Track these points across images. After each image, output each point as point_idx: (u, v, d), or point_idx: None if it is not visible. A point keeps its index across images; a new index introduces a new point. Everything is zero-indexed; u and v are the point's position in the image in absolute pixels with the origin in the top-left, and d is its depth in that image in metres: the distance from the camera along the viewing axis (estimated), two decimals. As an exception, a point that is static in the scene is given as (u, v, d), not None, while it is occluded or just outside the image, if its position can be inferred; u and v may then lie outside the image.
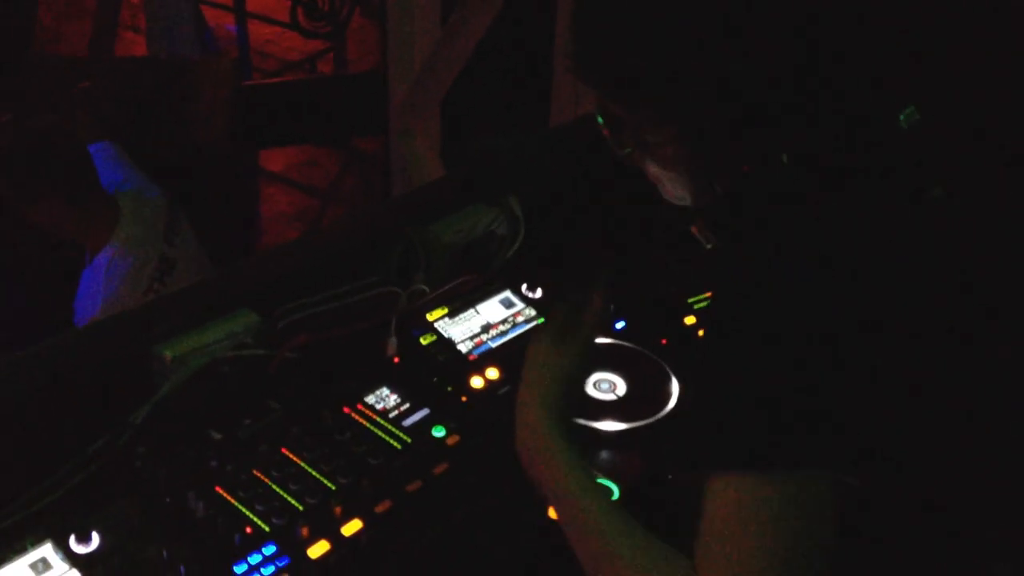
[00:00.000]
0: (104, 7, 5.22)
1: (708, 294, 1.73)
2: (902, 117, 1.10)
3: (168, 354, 1.59)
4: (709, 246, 1.21)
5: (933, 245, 1.08)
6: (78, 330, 1.88)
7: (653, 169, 1.18)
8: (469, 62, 2.98)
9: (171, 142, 3.26)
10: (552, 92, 2.98)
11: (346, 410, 1.56)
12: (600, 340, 1.68)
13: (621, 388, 1.60)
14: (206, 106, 3.27)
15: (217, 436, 1.50)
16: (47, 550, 1.27)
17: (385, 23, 3.26)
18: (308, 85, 4.04)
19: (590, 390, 1.59)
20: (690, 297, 1.75)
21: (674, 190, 1.19)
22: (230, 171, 3.43)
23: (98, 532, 1.30)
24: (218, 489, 1.41)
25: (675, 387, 1.59)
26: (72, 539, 1.29)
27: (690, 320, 1.73)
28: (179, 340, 1.61)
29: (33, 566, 1.25)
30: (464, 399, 1.59)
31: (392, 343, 1.67)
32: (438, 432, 1.52)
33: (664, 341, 1.67)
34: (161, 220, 2.85)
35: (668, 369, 1.61)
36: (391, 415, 1.55)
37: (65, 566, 1.25)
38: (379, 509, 1.38)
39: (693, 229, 1.20)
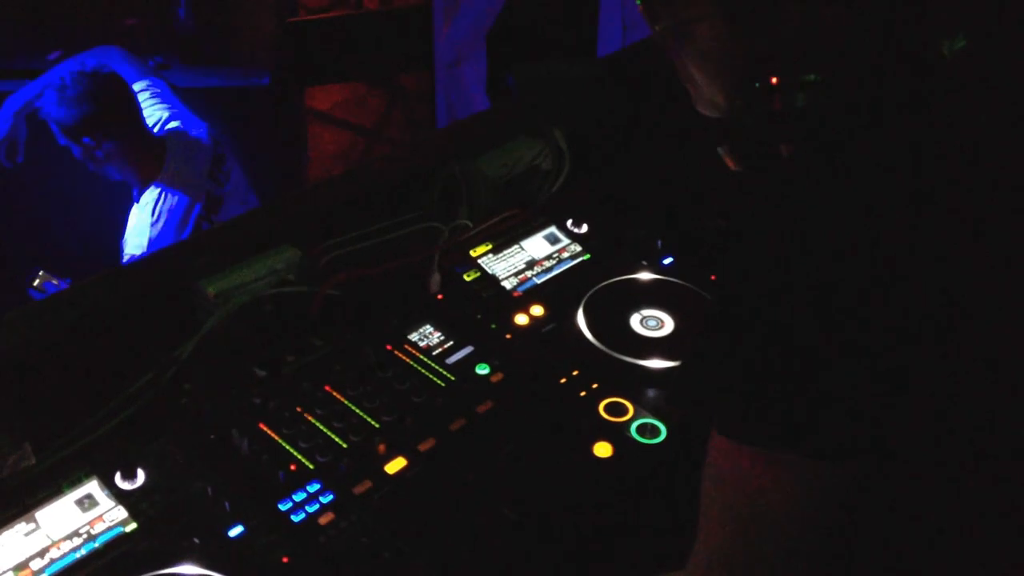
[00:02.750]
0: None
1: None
2: (948, 46, 1.01)
3: (211, 290, 1.58)
4: (735, 169, 1.12)
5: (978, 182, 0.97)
6: (123, 266, 1.87)
7: (685, 59, 1.06)
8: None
9: (215, 76, 3.25)
10: (600, 25, 2.90)
11: (389, 348, 1.54)
12: (647, 276, 1.64)
13: (669, 325, 1.56)
14: (250, 42, 3.24)
15: (261, 373, 1.49)
16: (93, 486, 1.28)
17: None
18: (354, 21, 3.98)
19: (637, 327, 1.56)
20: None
21: (707, 91, 1.07)
22: (275, 108, 3.41)
23: (143, 468, 1.31)
24: (262, 426, 1.40)
25: (725, 324, 1.55)
26: (117, 475, 1.29)
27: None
28: (222, 276, 1.60)
29: (79, 502, 1.26)
30: (508, 336, 1.56)
31: (435, 280, 1.64)
32: (482, 370, 1.50)
33: (713, 277, 1.62)
34: (207, 158, 2.84)
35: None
36: (434, 353, 1.53)
37: (111, 503, 1.26)
38: (423, 447, 1.37)
39: (723, 154, 1.11)
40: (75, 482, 1.28)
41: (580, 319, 1.56)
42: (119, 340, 1.55)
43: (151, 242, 2.66)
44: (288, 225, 1.71)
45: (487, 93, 3.00)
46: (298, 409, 1.43)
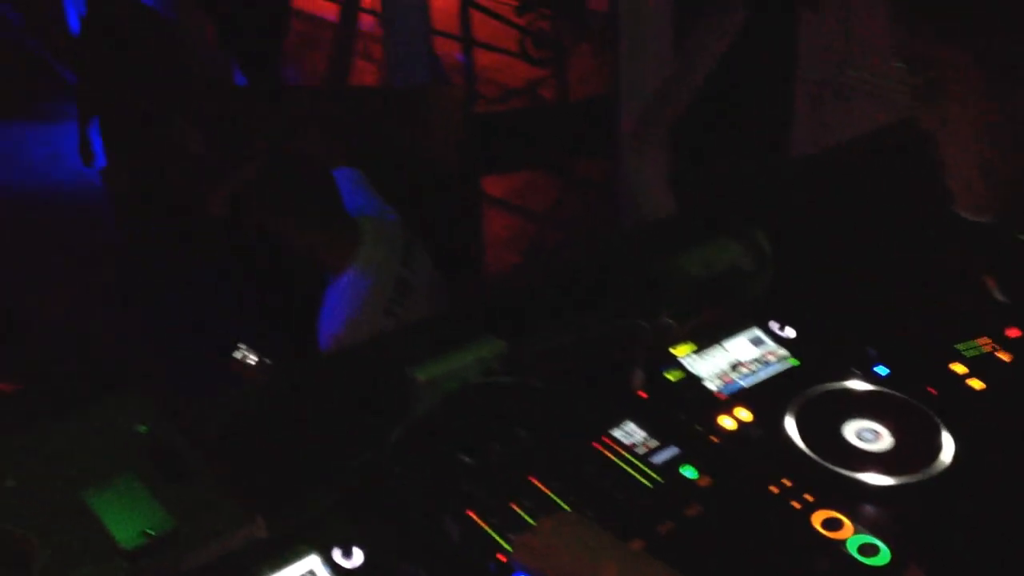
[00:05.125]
0: (341, 37, 5.50)
1: (981, 341, 1.62)
2: None
3: (421, 377, 1.63)
4: (1002, 301, 1.08)
5: None
6: (339, 349, 1.96)
7: (940, 123, 0.95)
8: (703, 86, 2.94)
9: (405, 168, 3.37)
10: (794, 119, 2.89)
11: (594, 444, 1.55)
12: (861, 386, 1.60)
13: (886, 439, 1.52)
14: (438, 133, 3.36)
15: (468, 460, 1.52)
16: (314, 562, 1.32)
17: (615, 47, 3.27)
18: (534, 112, 4.10)
19: (852, 439, 1.52)
20: (958, 343, 1.65)
21: (963, 166, 0.96)
22: (458, 197, 3.51)
23: (360, 548, 1.35)
24: (470, 513, 1.43)
25: (947, 441, 1.49)
26: (337, 553, 1.33)
27: (959, 368, 1.62)
28: (432, 363, 1.65)
29: (301, 578, 1.30)
30: (714, 439, 1.55)
31: (638, 377, 1.65)
32: (688, 472, 1.49)
33: (932, 390, 1.57)
34: (399, 244, 2.95)
35: (938, 421, 1.52)
36: (638, 451, 1.53)
37: (331, 580, 1.30)
38: (631, 547, 1.36)
39: (988, 281, 1.08)
40: (296, 556, 1.33)
41: (790, 426, 1.53)
42: (331, 422, 1.61)
43: (345, 324, 2.76)
44: (493, 316, 1.75)
45: (671, 187, 3.03)
46: (505, 499, 1.45)
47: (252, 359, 2.86)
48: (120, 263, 4.09)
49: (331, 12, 6.41)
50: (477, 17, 5.62)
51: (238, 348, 2.89)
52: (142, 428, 1.53)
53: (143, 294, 3.82)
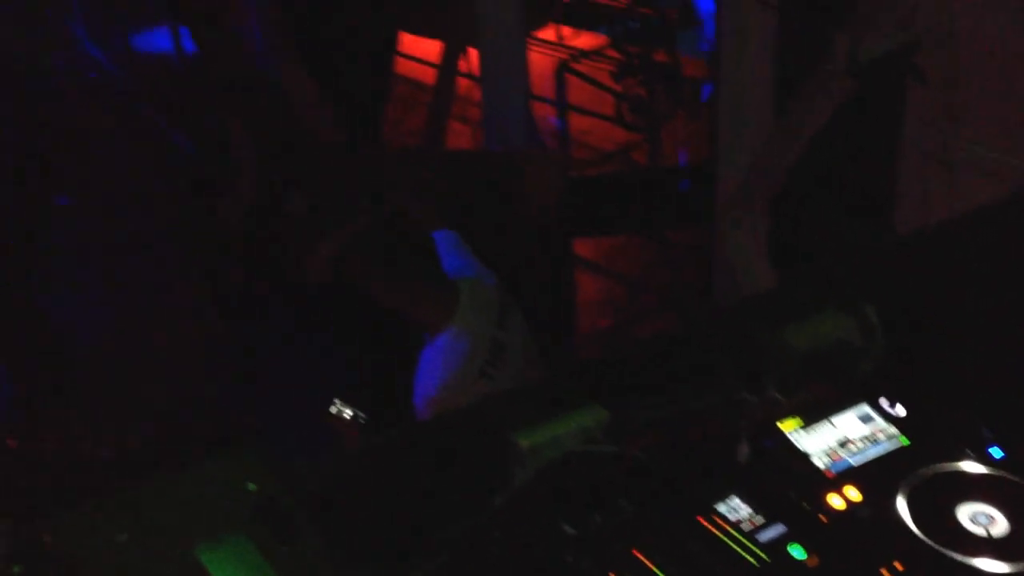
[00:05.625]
0: (439, 100, 5.62)
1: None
2: None
3: (524, 443, 1.63)
4: None
5: None
6: (441, 412, 1.97)
7: None
8: (804, 155, 2.92)
9: (502, 230, 3.41)
10: (897, 191, 2.85)
11: (699, 518, 1.52)
12: (976, 469, 1.56)
13: (1002, 524, 1.47)
14: (537, 197, 3.40)
15: (570, 531, 1.52)
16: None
17: (714, 114, 3.28)
18: (629, 177, 4.13)
19: (966, 523, 1.47)
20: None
21: None
22: (553, 259, 3.54)
23: (463, 618, 1.34)
24: (573, 586, 1.42)
25: (1070, 530, 1.44)
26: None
27: (1081, 453, 1.57)
28: (535, 430, 1.65)
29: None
30: (823, 518, 1.52)
31: (743, 451, 1.63)
32: (796, 552, 1.46)
33: (1052, 476, 1.52)
34: (495, 306, 2.98)
35: (1060, 508, 1.47)
36: (744, 527, 1.51)
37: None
38: (738, 628, 1.34)
39: None
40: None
41: (901, 507, 1.49)
42: (433, 486, 1.62)
43: (440, 386, 2.79)
44: (597, 383, 1.75)
45: (769, 257, 3.00)
46: (607, 571, 1.44)
47: (347, 414, 2.92)
48: (223, 317, 4.20)
49: (429, 75, 6.57)
50: (571, 81, 5.69)
51: (334, 403, 2.95)
52: (251, 486, 1.56)
53: (244, 349, 3.91)
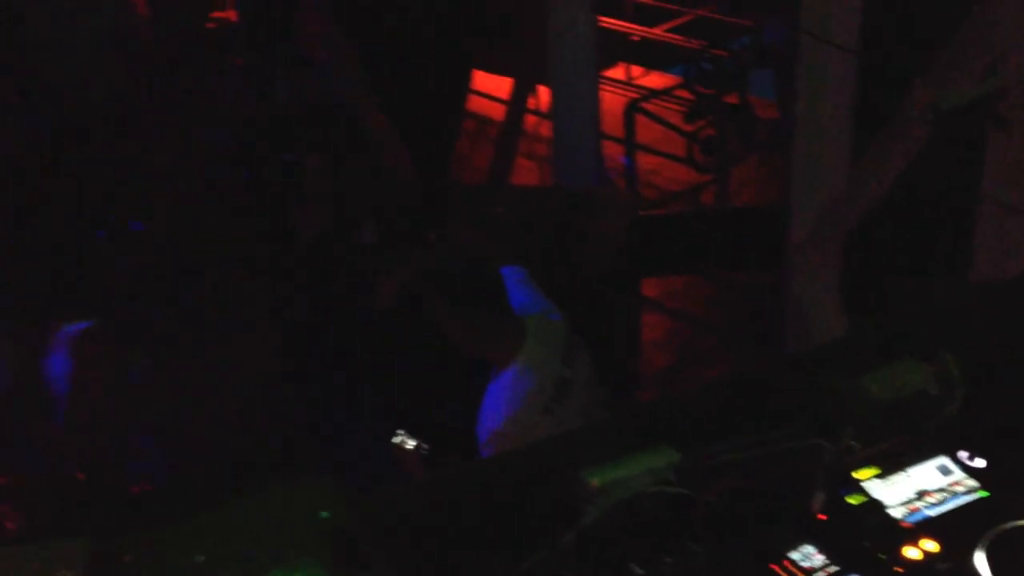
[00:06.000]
0: (506, 136, 5.66)
1: None
2: None
3: (595, 481, 1.63)
4: None
5: None
6: (516, 449, 1.97)
7: None
8: (881, 200, 2.88)
9: (570, 267, 3.42)
10: (976, 240, 2.80)
11: (771, 565, 1.51)
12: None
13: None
14: (606, 234, 3.41)
15: (639, 572, 1.51)
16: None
17: (788, 156, 3.25)
18: (698, 218, 4.12)
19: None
20: None
21: None
22: (620, 297, 3.53)
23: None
24: (642, 628, 1.41)
25: None
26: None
27: None
28: (605, 469, 1.65)
29: None
30: (898, 570, 1.49)
31: (818, 499, 1.61)
32: (872, 603, 1.43)
33: None
34: (561, 343, 2.97)
35: None
36: (817, 576, 1.48)
37: None
38: None
39: None
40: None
41: (980, 561, 1.46)
42: (501, 521, 1.62)
43: (505, 420, 2.78)
44: (669, 425, 1.75)
45: (841, 302, 2.97)
46: (678, 616, 1.42)
47: (410, 444, 2.92)
48: (288, 344, 4.25)
49: (495, 110, 6.63)
50: (638, 119, 5.70)
51: (397, 433, 2.96)
52: (324, 514, 1.58)
53: (312, 376, 3.95)
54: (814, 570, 1.50)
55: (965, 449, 1.69)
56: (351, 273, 3.61)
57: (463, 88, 4.45)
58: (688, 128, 4.88)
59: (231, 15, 7.73)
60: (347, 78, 4.51)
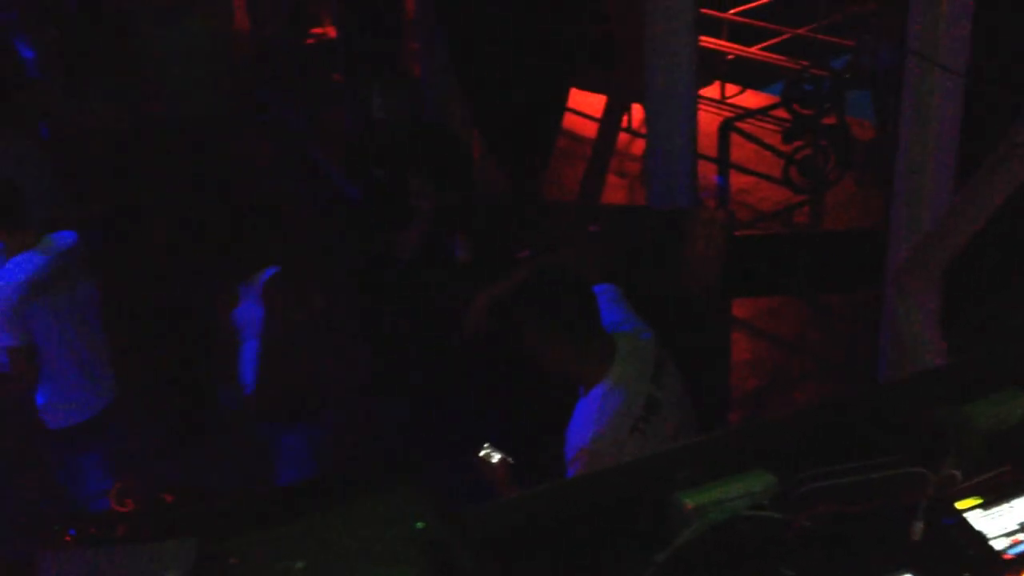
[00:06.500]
0: (600, 154, 5.68)
1: None
2: None
3: (689, 503, 1.63)
4: None
5: None
6: (608, 468, 1.98)
7: None
8: (983, 227, 2.81)
9: (662, 287, 3.41)
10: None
11: (869, 593, 1.49)
12: None
13: None
14: (700, 255, 3.39)
15: (732, 596, 1.50)
16: None
17: (890, 180, 3.20)
18: (795, 238, 4.07)
19: None
20: None
21: None
22: (712, 318, 3.51)
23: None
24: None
25: None
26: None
27: None
28: (700, 491, 1.64)
29: None
30: (1002, 604, 1.46)
31: (917, 528, 1.58)
32: (974, 637, 1.40)
33: None
34: (651, 362, 2.96)
35: None
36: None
37: None
38: None
39: None
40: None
41: (1090, 600, 1.42)
42: (593, 541, 1.63)
43: (592, 438, 2.78)
44: (764, 448, 1.73)
45: (941, 330, 2.89)
46: (772, 642, 1.41)
47: (496, 457, 2.95)
48: (379, 356, 4.33)
49: (585, 128, 6.65)
50: (732, 139, 5.66)
51: (484, 446, 2.99)
52: (420, 525, 1.61)
53: (403, 388, 4.02)
54: (909, 601, 1.47)
55: (1074, 483, 1.65)
56: (443, 290, 3.65)
57: (559, 106, 4.47)
58: (785, 148, 4.83)
59: (330, 31, 7.94)
60: (444, 94, 4.59)
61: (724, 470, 1.68)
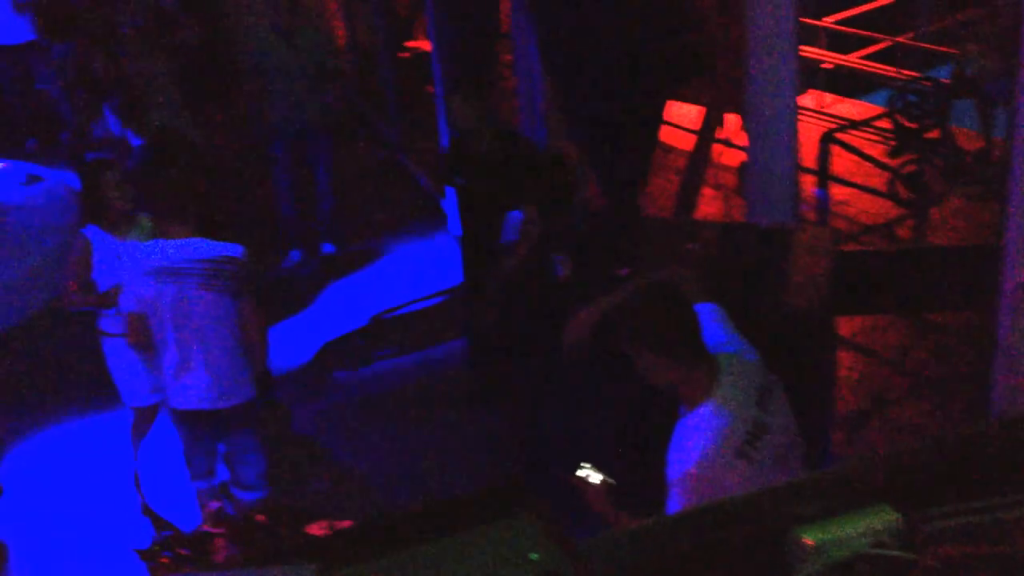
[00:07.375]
0: (696, 167, 5.61)
1: None
2: None
3: (808, 539, 1.59)
4: None
5: None
6: (722, 499, 1.94)
7: None
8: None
9: (765, 306, 3.34)
10: None
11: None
12: None
13: None
14: (805, 273, 3.31)
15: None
16: None
17: (1005, 194, 3.08)
18: (902, 254, 3.96)
19: None
20: None
21: None
22: (817, 337, 3.42)
23: None
24: None
25: None
26: None
27: None
28: (819, 527, 1.60)
29: None
30: None
31: (1056, 573, 1.51)
32: None
33: None
34: (756, 384, 2.90)
35: None
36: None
37: None
38: None
39: None
40: None
41: None
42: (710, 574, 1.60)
43: (696, 461, 2.74)
44: (887, 482, 1.68)
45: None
46: None
47: (595, 478, 2.91)
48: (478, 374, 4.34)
49: (678, 139, 6.57)
50: (832, 150, 5.54)
51: (582, 466, 2.96)
52: (533, 556, 1.59)
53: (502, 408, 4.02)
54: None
55: None
56: (545, 306, 3.64)
57: (657, 119, 4.43)
58: (892, 162, 4.70)
59: (424, 44, 8.00)
60: (541, 107, 4.58)
61: (845, 505, 1.63)
